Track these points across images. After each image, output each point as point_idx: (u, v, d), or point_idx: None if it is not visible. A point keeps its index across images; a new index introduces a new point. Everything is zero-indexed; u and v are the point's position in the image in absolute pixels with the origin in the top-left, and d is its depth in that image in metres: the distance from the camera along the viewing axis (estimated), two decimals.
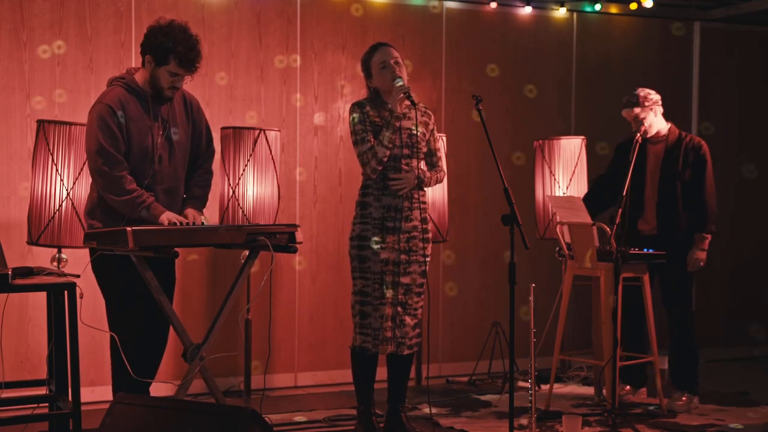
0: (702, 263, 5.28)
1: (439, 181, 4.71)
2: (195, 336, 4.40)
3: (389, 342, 4.50)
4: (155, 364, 4.34)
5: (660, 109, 5.33)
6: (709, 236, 5.28)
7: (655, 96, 5.30)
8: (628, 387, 5.51)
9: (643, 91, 5.30)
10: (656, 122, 5.32)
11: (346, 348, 5.86)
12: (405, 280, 4.51)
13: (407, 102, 4.47)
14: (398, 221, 4.48)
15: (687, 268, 5.26)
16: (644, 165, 5.35)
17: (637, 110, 5.27)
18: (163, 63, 4.12)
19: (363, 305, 4.50)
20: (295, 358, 5.88)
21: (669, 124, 5.36)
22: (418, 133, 4.56)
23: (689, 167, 5.28)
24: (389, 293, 4.48)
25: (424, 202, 4.59)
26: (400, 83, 4.42)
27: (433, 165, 4.68)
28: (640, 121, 5.28)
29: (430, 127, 4.66)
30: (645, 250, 5.21)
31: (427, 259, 4.60)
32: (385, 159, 4.44)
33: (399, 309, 4.51)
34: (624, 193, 4.94)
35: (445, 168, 4.84)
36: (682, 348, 5.33)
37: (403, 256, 4.50)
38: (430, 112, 4.69)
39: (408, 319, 4.53)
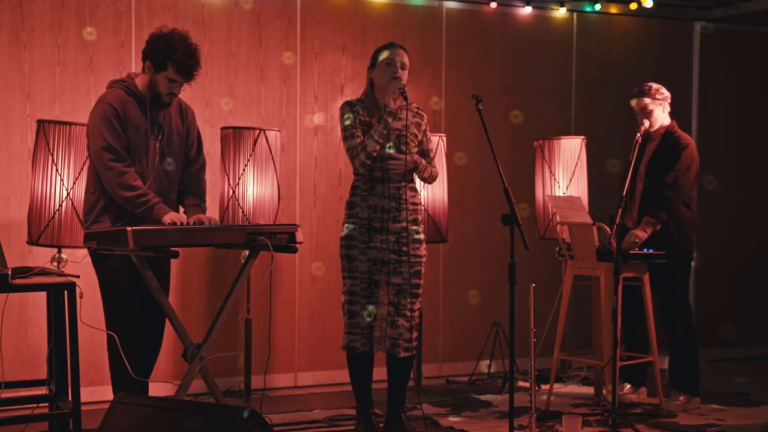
0: (636, 243, 5.17)
1: (433, 176, 4.69)
2: (195, 336, 4.41)
3: (379, 341, 4.50)
4: (151, 362, 4.36)
5: (668, 107, 5.36)
6: (653, 221, 5.22)
7: (666, 92, 5.34)
8: (628, 386, 5.51)
9: (655, 84, 5.34)
10: (661, 118, 5.34)
11: None
12: (396, 280, 4.51)
13: (400, 101, 4.50)
14: (385, 222, 4.49)
15: (621, 245, 5.19)
16: (640, 163, 5.39)
17: (647, 101, 5.29)
18: (162, 69, 4.22)
19: (351, 305, 4.52)
20: (295, 358, 5.88)
21: (670, 122, 5.36)
22: (408, 133, 4.56)
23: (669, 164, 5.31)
24: (380, 293, 4.48)
25: (415, 203, 4.59)
26: (398, 80, 4.44)
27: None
28: (647, 113, 5.30)
29: (423, 127, 4.67)
30: (645, 249, 5.21)
31: (422, 259, 4.59)
32: (375, 154, 4.45)
33: (391, 309, 4.51)
34: (624, 193, 4.94)
35: (438, 169, 4.81)
36: (682, 348, 5.33)
37: (392, 256, 4.50)
38: (422, 113, 4.69)
39: (401, 321, 4.51)
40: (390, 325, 4.51)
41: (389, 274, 4.50)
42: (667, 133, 5.35)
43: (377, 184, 4.50)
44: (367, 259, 4.48)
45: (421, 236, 4.60)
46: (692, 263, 5.50)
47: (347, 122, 4.51)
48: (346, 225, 4.55)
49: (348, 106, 4.55)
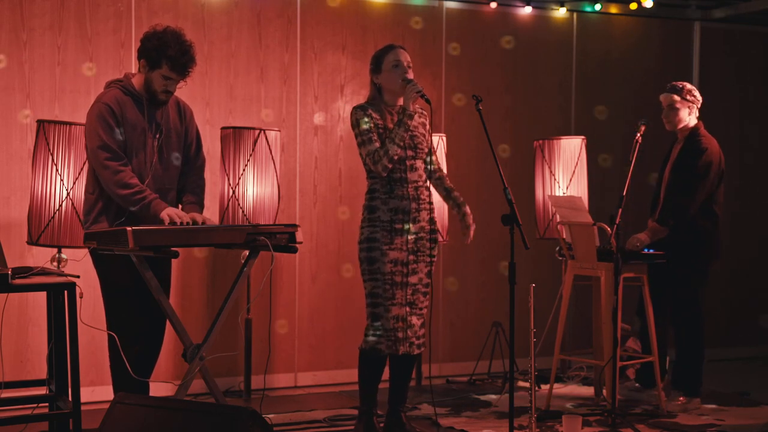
0: (638, 247, 5.20)
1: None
2: (195, 336, 4.41)
3: (401, 342, 4.49)
4: (152, 362, 4.36)
5: (696, 111, 5.36)
6: (659, 228, 5.24)
7: (697, 95, 5.35)
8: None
9: (688, 85, 5.36)
10: (686, 119, 5.34)
11: (346, 348, 5.88)
12: (413, 279, 4.52)
13: (419, 102, 4.50)
14: (406, 223, 4.49)
15: (626, 246, 5.22)
16: (666, 164, 5.43)
17: (675, 98, 5.30)
18: (156, 67, 4.21)
19: (374, 307, 4.50)
20: (295, 358, 5.88)
21: (695, 124, 5.35)
22: (419, 134, 4.57)
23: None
24: (399, 294, 4.48)
25: (431, 203, 4.60)
26: (413, 82, 4.44)
27: (434, 163, 4.68)
28: (673, 111, 5.30)
29: (427, 127, 4.67)
30: (645, 250, 5.21)
31: (434, 259, 4.61)
32: (396, 157, 4.45)
33: (407, 309, 4.51)
34: (624, 193, 4.94)
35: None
36: (687, 350, 5.32)
37: (411, 257, 4.50)
38: (425, 112, 4.69)
39: (415, 319, 4.53)
40: (409, 325, 4.51)
41: (407, 274, 4.51)
42: (690, 135, 5.33)
43: (396, 186, 4.50)
44: (389, 260, 4.48)
45: (436, 235, 4.62)
46: (708, 269, 5.38)
47: (363, 126, 4.49)
48: (366, 228, 4.53)
49: (361, 110, 4.52)
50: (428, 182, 4.63)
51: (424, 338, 4.59)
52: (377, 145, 4.45)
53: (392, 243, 4.48)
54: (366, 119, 4.49)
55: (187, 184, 4.44)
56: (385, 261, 4.46)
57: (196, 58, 4.29)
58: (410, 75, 4.50)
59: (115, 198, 4.15)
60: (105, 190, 4.18)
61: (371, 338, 4.51)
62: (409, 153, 4.52)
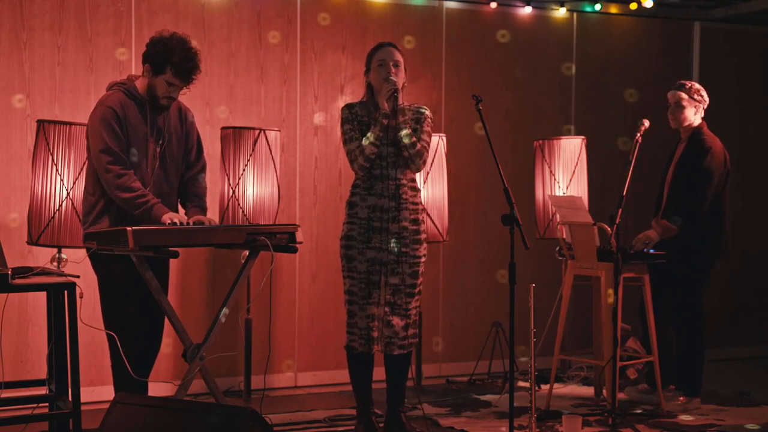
0: (646, 243, 5.18)
1: (418, 151, 4.47)
2: (195, 336, 4.41)
3: (376, 342, 4.51)
4: (150, 362, 4.37)
5: (702, 112, 5.37)
6: (671, 227, 5.22)
7: (704, 96, 5.36)
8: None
9: (696, 84, 5.38)
10: (691, 118, 5.34)
11: None
12: (393, 280, 4.51)
13: (402, 101, 4.49)
14: (385, 221, 4.49)
15: (632, 243, 5.21)
16: (669, 165, 5.42)
17: (683, 95, 5.31)
18: (160, 72, 4.22)
19: (350, 305, 4.54)
20: (295, 358, 5.88)
21: (699, 124, 5.36)
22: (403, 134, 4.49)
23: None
24: (376, 293, 4.49)
25: (415, 203, 4.58)
26: (391, 81, 4.43)
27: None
28: (679, 108, 5.31)
29: (421, 121, 4.58)
30: (645, 250, 5.21)
31: (421, 260, 4.59)
32: (372, 156, 4.46)
33: (387, 309, 4.51)
34: (624, 193, 4.93)
35: (427, 148, 4.63)
36: (687, 350, 5.32)
37: (391, 257, 4.50)
38: (423, 110, 4.60)
39: (396, 320, 4.52)
40: (386, 325, 4.51)
41: (387, 274, 4.50)
42: (693, 134, 5.33)
43: (377, 182, 4.50)
44: (365, 259, 4.49)
45: (421, 236, 4.59)
46: (710, 269, 5.36)
47: (346, 125, 4.54)
48: (345, 225, 4.56)
49: (347, 108, 4.58)
50: (416, 182, 4.63)
51: (413, 339, 4.59)
52: (357, 143, 4.47)
53: (370, 242, 4.48)
54: (350, 117, 4.52)
55: (188, 189, 4.45)
56: (362, 260, 4.48)
57: (201, 66, 4.28)
58: (395, 73, 4.48)
59: (117, 201, 4.16)
60: (107, 191, 4.18)
61: (347, 336, 4.55)
62: (390, 150, 4.50)
